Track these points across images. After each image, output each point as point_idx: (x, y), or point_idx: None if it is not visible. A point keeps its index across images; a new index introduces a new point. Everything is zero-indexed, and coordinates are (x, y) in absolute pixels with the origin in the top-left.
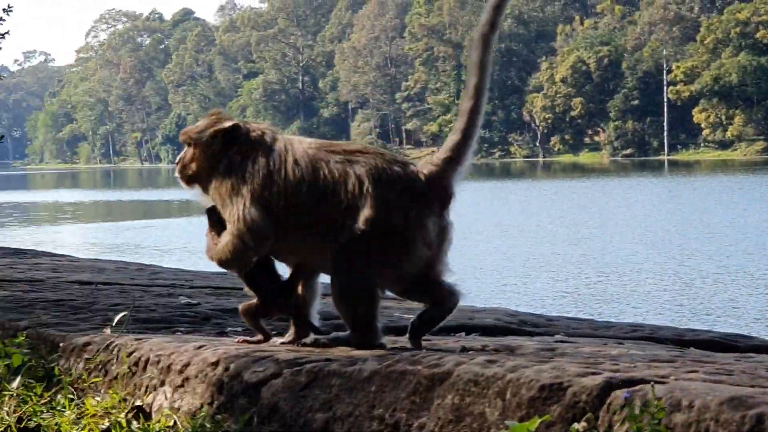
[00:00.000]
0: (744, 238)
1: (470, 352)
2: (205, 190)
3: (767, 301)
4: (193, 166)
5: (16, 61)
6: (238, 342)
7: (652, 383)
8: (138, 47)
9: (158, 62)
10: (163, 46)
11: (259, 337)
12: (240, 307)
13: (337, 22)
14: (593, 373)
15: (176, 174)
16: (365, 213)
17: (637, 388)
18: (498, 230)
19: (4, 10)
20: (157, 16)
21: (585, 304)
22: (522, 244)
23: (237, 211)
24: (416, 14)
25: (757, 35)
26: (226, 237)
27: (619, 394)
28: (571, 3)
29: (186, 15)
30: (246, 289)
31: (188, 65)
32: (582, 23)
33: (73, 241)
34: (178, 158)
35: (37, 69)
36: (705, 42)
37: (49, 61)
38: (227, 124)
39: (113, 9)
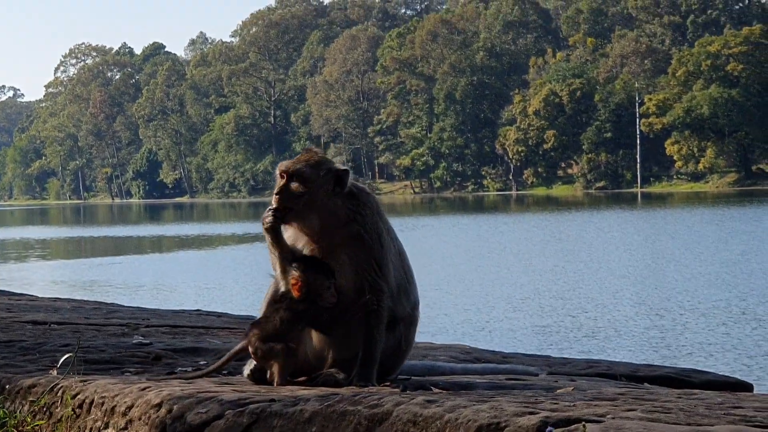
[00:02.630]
0: (718, 271)
1: (417, 391)
2: None
3: (727, 334)
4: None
5: None
6: None
7: (583, 423)
8: (108, 82)
9: (128, 97)
10: (133, 80)
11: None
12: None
13: (308, 55)
14: (531, 413)
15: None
16: None
17: (572, 427)
18: (467, 266)
19: None
20: (127, 50)
21: (554, 340)
22: (492, 279)
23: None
24: (388, 48)
25: (728, 68)
26: None
27: None
28: (543, 36)
29: (156, 49)
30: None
31: (159, 100)
32: (554, 56)
33: (36, 279)
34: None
35: (5, 104)
36: (676, 74)
37: (17, 97)
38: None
39: (83, 43)
